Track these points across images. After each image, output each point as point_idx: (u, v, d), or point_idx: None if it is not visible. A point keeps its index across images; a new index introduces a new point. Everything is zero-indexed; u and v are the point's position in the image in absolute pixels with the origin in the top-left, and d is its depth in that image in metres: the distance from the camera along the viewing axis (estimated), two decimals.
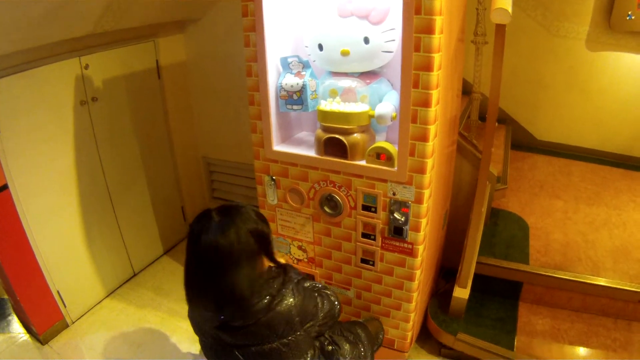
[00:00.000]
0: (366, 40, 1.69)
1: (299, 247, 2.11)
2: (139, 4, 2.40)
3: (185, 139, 3.31)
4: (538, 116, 3.80)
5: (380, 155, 1.72)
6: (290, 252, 2.15)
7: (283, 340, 1.38)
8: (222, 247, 1.26)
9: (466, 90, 2.66)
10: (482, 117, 2.27)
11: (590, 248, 2.53)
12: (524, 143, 3.84)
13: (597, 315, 2.33)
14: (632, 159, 3.59)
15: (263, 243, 1.36)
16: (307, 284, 1.55)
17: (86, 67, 2.43)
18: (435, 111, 1.60)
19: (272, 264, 1.45)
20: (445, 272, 2.69)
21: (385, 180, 1.74)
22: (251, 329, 1.34)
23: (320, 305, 1.52)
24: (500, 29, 1.72)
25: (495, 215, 2.79)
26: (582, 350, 2.15)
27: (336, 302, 1.61)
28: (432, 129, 1.61)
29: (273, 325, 1.35)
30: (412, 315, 1.99)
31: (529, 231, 2.66)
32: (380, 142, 1.75)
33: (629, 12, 3.29)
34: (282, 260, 1.51)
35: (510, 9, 1.66)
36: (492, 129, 1.89)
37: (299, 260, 2.14)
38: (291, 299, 1.37)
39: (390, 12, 1.66)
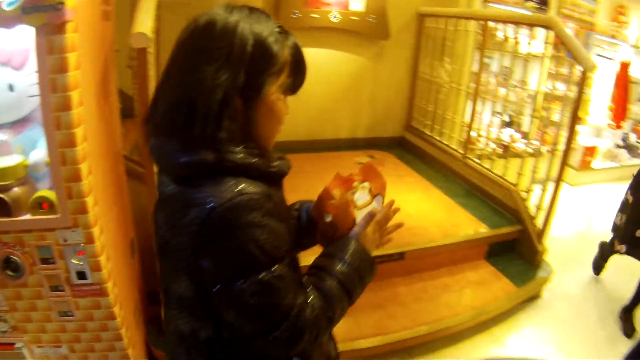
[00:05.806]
0: (11, 88, 1.62)
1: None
2: None
3: None
4: None
5: (42, 205, 1.64)
6: None
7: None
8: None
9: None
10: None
11: None
12: None
13: None
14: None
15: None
16: None
17: None
18: (83, 148, 1.59)
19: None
20: (151, 296, 2.58)
21: (53, 229, 1.66)
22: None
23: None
24: (141, 52, 1.79)
25: None
26: None
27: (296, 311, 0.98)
28: (84, 167, 1.60)
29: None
30: (130, 351, 1.95)
31: None
32: (40, 192, 1.67)
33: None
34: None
35: (150, 33, 1.74)
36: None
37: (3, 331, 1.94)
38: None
39: (30, 54, 1.62)
